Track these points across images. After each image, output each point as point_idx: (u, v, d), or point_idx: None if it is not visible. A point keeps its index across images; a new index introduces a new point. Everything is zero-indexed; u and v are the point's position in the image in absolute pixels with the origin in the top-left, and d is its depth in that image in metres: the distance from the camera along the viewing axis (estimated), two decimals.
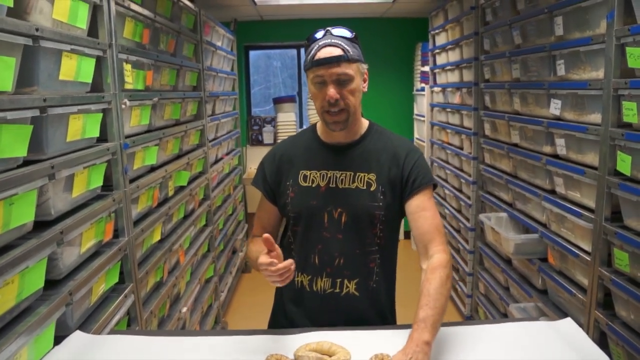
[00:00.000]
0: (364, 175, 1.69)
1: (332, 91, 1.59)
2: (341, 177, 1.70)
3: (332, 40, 1.60)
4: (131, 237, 2.18)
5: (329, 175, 1.70)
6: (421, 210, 1.66)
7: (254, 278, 5.21)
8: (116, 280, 2.04)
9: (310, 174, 1.72)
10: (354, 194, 1.68)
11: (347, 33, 1.65)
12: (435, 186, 1.73)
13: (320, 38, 1.63)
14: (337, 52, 1.59)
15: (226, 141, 4.61)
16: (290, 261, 1.48)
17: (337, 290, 1.70)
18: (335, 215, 1.68)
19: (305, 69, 1.65)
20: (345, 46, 1.60)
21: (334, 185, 1.69)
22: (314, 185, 1.71)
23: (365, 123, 1.78)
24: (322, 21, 5.95)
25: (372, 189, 1.68)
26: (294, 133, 5.94)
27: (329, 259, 1.69)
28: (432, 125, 4.99)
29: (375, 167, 1.70)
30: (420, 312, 1.46)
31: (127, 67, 2.18)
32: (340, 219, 1.68)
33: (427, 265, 1.59)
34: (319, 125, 1.80)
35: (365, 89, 1.68)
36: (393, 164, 1.70)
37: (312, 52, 1.61)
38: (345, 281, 1.69)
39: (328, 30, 1.64)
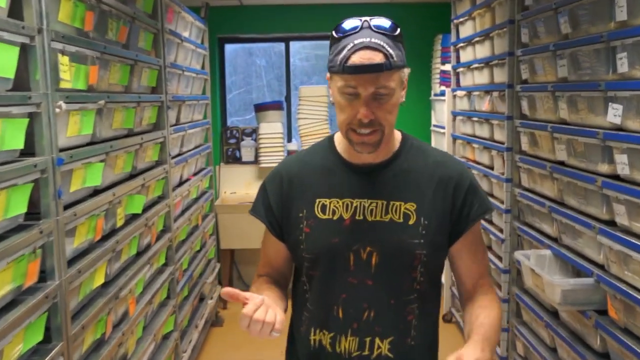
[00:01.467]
0: (401, 205, 1.69)
1: (365, 111, 1.58)
2: (370, 208, 1.69)
3: (373, 40, 1.57)
4: (63, 281, 2.12)
5: (354, 204, 1.70)
6: (474, 252, 1.74)
7: (229, 333, 5.11)
8: (40, 338, 1.97)
9: (330, 203, 1.71)
10: (388, 228, 1.67)
11: (389, 27, 1.62)
12: (490, 212, 1.81)
13: (355, 32, 1.60)
14: (378, 57, 1.56)
15: (194, 158, 4.59)
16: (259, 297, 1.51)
17: (367, 352, 1.68)
18: (364, 256, 1.67)
19: (330, 71, 1.63)
20: (389, 49, 1.57)
21: (361, 218, 1.69)
22: (335, 218, 1.70)
23: (397, 136, 1.78)
24: (319, 7, 5.96)
25: (410, 221, 1.67)
26: (280, 148, 5.94)
27: (355, 311, 1.68)
28: (455, 138, 4.98)
29: (414, 194, 1.70)
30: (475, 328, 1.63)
31: (64, 59, 2.15)
32: (370, 260, 1.67)
33: (475, 300, 1.72)
34: (338, 139, 1.79)
35: (404, 99, 1.67)
36: (439, 190, 1.71)
37: (344, 52, 1.57)
38: (377, 340, 1.68)
39: (366, 21, 1.61)
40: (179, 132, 4.02)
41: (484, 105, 4.15)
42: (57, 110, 2.08)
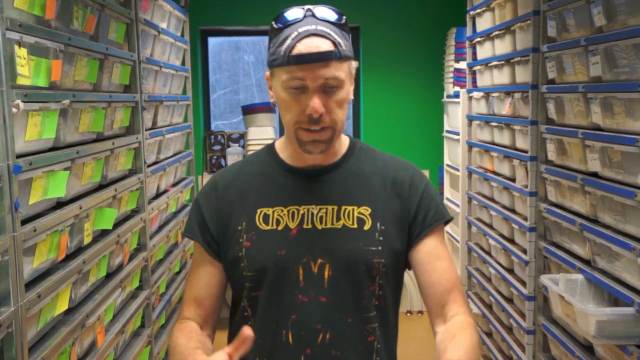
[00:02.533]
0: (354, 209, 1.74)
1: (317, 103, 1.62)
2: (320, 214, 1.73)
3: (318, 28, 1.64)
4: (20, 307, 2.09)
5: (301, 212, 1.74)
6: (435, 259, 1.75)
7: None
8: None
9: (273, 212, 1.75)
10: (341, 236, 1.71)
11: (334, 16, 1.69)
12: (447, 222, 1.83)
13: (298, 21, 1.67)
14: (325, 45, 1.63)
15: (173, 166, 4.59)
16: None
17: None
18: (315, 270, 1.70)
19: (271, 65, 1.68)
20: (336, 37, 1.65)
21: (310, 226, 1.72)
22: (280, 228, 1.73)
23: (345, 139, 1.86)
24: None
25: (366, 227, 1.72)
26: None
27: (308, 334, 1.69)
28: (470, 146, 4.98)
29: (368, 198, 1.76)
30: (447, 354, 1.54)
31: (21, 52, 2.13)
32: (322, 273, 1.70)
33: (447, 326, 1.68)
34: (279, 145, 1.86)
35: (352, 96, 1.74)
36: (394, 192, 1.78)
37: (288, 41, 1.63)
38: None
39: (310, 9, 1.69)
40: (155, 137, 4.01)
41: (505, 108, 4.13)
42: (14, 110, 2.06)
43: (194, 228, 1.81)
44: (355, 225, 1.71)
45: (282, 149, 1.82)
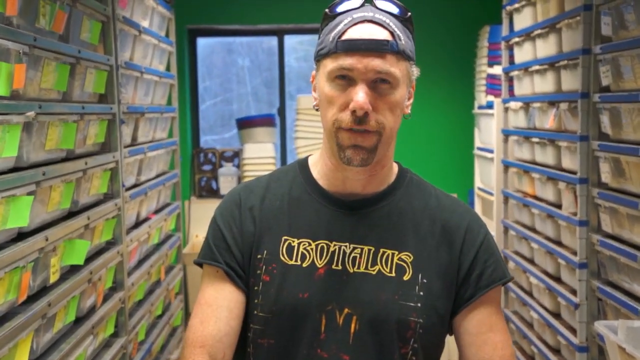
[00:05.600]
0: (394, 254, 1.72)
1: (362, 98, 1.59)
2: (353, 255, 1.72)
3: (376, 16, 1.65)
4: None
5: (332, 249, 1.72)
6: (488, 330, 1.73)
7: None
8: None
9: (299, 244, 1.74)
10: (375, 283, 1.70)
11: (397, 8, 1.70)
12: (506, 283, 1.80)
13: (354, 8, 1.68)
14: (382, 34, 1.63)
15: (156, 190, 4.60)
16: None
17: None
18: (340, 321, 1.69)
19: (319, 56, 1.67)
20: (396, 29, 1.65)
21: (339, 268, 1.71)
22: (305, 265, 1.72)
23: (394, 167, 1.85)
24: None
25: (405, 277, 1.71)
26: None
27: None
28: (507, 165, 4.99)
29: (412, 242, 1.74)
30: None
31: None
32: (348, 326, 1.69)
33: None
34: (314, 162, 1.84)
35: (409, 111, 1.74)
36: (444, 240, 1.76)
37: (340, 27, 1.64)
38: None
39: None
40: (135, 156, 4.01)
41: (548, 121, 4.12)
42: None
43: (212, 252, 1.76)
44: (393, 274, 1.70)
45: (316, 167, 1.80)
